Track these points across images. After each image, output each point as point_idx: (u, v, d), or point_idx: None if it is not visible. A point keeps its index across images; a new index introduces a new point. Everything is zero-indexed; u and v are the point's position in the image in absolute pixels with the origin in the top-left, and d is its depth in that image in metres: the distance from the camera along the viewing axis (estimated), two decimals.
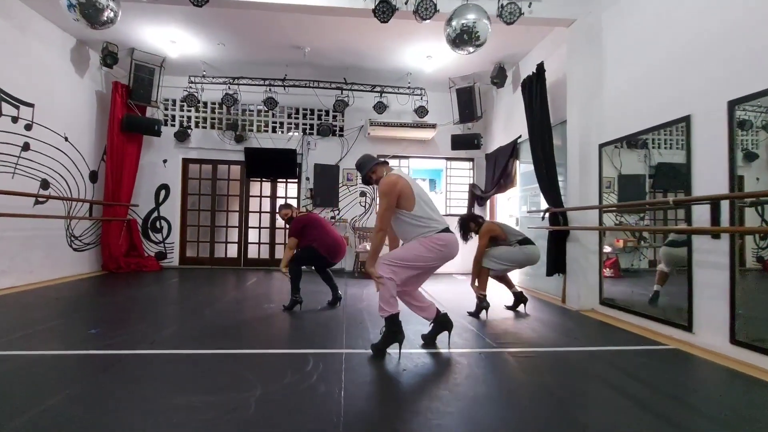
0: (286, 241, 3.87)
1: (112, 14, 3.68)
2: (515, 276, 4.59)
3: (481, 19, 3.72)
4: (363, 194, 7.05)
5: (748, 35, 2.55)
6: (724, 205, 2.65)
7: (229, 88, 6.27)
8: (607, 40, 3.93)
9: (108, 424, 1.57)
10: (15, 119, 4.56)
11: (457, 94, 6.51)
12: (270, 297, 4.44)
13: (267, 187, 7.10)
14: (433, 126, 6.62)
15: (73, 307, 3.74)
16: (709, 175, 2.80)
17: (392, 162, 7.19)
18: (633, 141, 3.71)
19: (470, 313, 3.71)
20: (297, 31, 5.11)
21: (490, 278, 3.84)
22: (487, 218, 6.64)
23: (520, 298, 3.95)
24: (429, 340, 2.77)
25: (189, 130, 6.70)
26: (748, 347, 2.48)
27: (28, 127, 4.73)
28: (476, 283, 3.79)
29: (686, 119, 2.98)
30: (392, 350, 2.52)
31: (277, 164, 6.70)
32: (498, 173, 6.16)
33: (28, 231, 4.75)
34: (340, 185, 6.99)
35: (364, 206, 7.05)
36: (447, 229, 2.57)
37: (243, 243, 6.99)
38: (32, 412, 1.64)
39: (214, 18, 4.84)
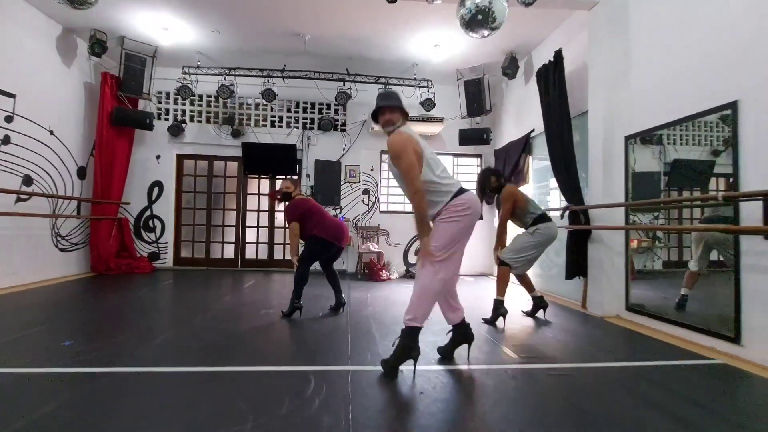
0: (287, 227, 3.45)
1: None
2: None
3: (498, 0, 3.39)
4: (366, 192, 6.73)
5: None
6: None
7: (225, 79, 5.94)
8: (635, 22, 3.60)
9: None
10: None
11: (465, 87, 6.18)
12: (268, 301, 4.12)
13: (265, 184, 6.78)
14: (440, 120, 6.29)
15: (52, 313, 3.42)
16: (764, 168, 2.47)
17: None
18: (648, 137, 3.44)
19: (486, 321, 3.39)
20: (296, 17, 4.78)
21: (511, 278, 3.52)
22: (496, 216, 6.32)
23: (539, 303, 3.63)
24: (446, 354, 2.45)
25: (183, 125, 6.37)
26: None
27: (8, 119, 4.40)
28: (499, 251, 3.52)
29: (732, 105, 2.66)
30: (405, 366, 2.20)
31: (276, 160, 6.35)
32: (509, 170, 5.83)
33: (10, 230, 4.43)
34: (342, 182, 6.66)
35: (367, 204, 6.73)
36: (462, 190, 2.25)
37: (240, 243, 6.67)
38: None
39: (209, 3, 4.52)
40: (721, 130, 2.93)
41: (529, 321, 3.51)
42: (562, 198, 4.82)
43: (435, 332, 2.94)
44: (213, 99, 6.45)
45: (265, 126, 6.63)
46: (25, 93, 4.60)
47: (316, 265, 3.61)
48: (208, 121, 6.53)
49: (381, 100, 2.32)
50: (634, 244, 3.67)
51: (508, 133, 6.21)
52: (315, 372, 2.14)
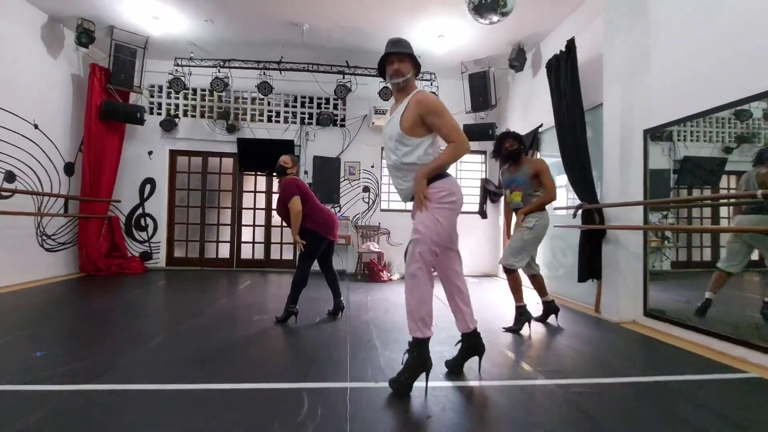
0: (286, 204, 3.16)
1: None
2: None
3: None
4: (366, 189, 6.49)
5: None
6: None
7: (219, 71, 5.69)
8: (656, 5, 3.35)
9: None
10: None
11: (470, 80, 5.95)
12: (263, 304, 3.90)
13: (262, 181, 6.53)
14: None
15: (29, 319, 3.19)
16: None
17: None
18: (658, 133, 3.23)
19: (507, 329, 3.11)
20: (293, 4, 4.53)
21: (524, 278, 3.31)
22: (501, 216, 6.10)
23: (550, 307, 3.40)
24: (455, 368, 2.21)
25: (176, 119, 6.12)
26: None
27: None
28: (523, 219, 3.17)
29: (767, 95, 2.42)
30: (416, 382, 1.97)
31: (272, 157, 5.90)
32: None
33: None
34: (342, 180, 6.43)
35: (368, 203, 6.49)
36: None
37: (235, 242, 6.43)
38: None
39: None
40: (733, 126, 2.78)
41: (541, 328, 3.28)
42: (569, 196, 4.61)
43: (441, 341, 2.71)
44: (207, 93, 6.21)
45: (261, 121, 6.39)
46: (7, 85, 4.37)
47: (315, 265, 3.37)
48: (202, 115, 6.29)
49: (390, 47, 2.09)
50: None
51: (514, 128, 5.90)
52: (309, 390, 1.91)
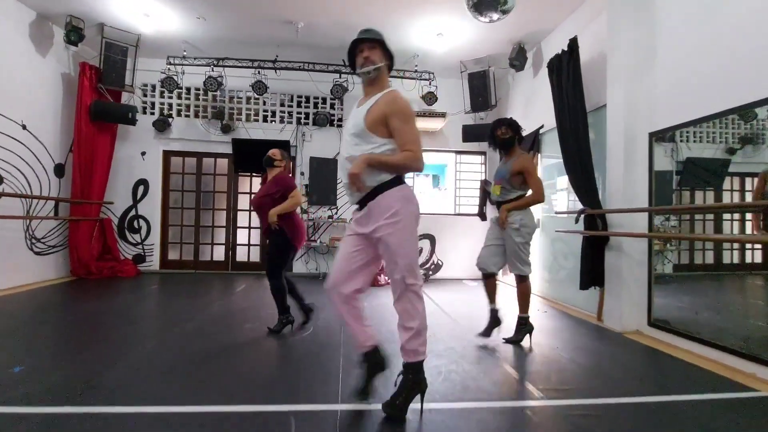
0: (292, 195, 3.01)
1: None
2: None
3: None
4: None
5: None
6: None
7: (213, 70, 5.56)
8: (662, 5, 3.23)
9: None
10: None
11: (469, 80, 5.82)
12: (257, 310, 3.79)
13: (257, 182, 6.42)
14: (443, 115, 5.92)
15: (10, 329, 3.07)
16: None
17: None
18: (661, 134, 3.14)
19: (508, 340, 2.95)
20: (288, 2, 4.40)
21: (486, 281, 3.04)
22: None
23: (496, 319, 3.01)
24: (364, 390, 1.89)
25: (170, 119, 6.00)
26: None
27: None
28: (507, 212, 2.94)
29: None
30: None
31: None
32: None
33: None
34: (339, 181, 6.30)
35: None
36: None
37: (231, 245, 6.32)
38: None
39: None
40: (736, 127, 2.70)
41: (540, 339, 3.16)
42: (570, 199, 4.50)
43: (440, 354, 2.61)
44: (201, 92, 6.07)
45: (257, 121, 6.26)
46: None
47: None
48: (196, 115, 6.16)
49: (361, 33, 1.92)
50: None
51: None
52: (297, 413, 1.81)
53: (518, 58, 5.18)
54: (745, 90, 2.50)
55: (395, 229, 1.76)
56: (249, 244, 6.38)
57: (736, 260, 2.95)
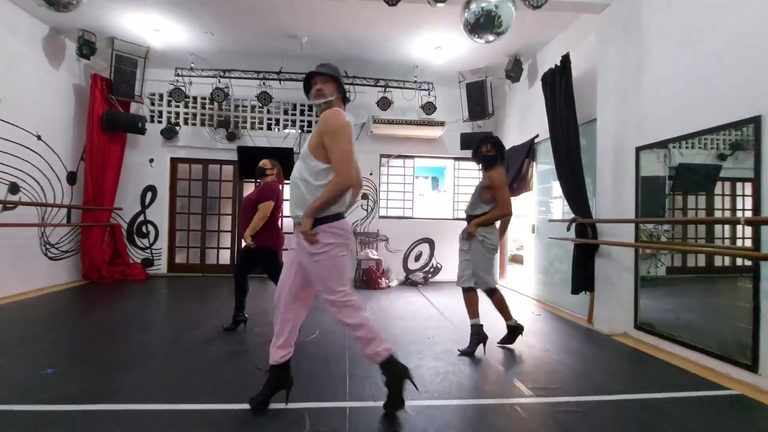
0: (260, 206, 3.20)
1: None
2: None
3: (505, 2, 3.22)
4: (365, 197, 6.57)
5: None
6: None
7: (219, 81, 5.75)
8: (649, 28, 3.43)
9: None
10: None
11: (467, 90, 6.02)
12: (264, 315, 3.97)
13: None
14: (442, 124, 6.12)
15: (35, 333, 3.27)
16: None
17: (397, 162, 6.76)
18: (662, 145, 3.28)
19: (461, 352, 2.94)
20: (293, 18, 4.60)
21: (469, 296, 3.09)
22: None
23: (480, 334, 3.00)
24: (260, 406, 1.96)
25: (177, 128, 6.19)
26: None
27: None
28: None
29: (755, 120, 2.51)
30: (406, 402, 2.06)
31: None
32: (511, 175, 5.66)
33: None
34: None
35: (366, 210, 6.57)
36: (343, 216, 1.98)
37: (236, 249, 6.51)
38: None
39: (201, 3, 4.33)
40: (728, 134, 2.81)
41: (533, 341, 3.36)
42: (565, 205, 4.69)
43: (437, 356, 2.81)
44: (208, 102, 6.26)
45: (261, 129, 6.46)
46: (10, 97, 4.42)
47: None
48: (202, 123, 6.35)
49: (318, 67, 2.01)
50: (639, 251, 3.53)
51: (511, 137, 6.05)
52: (310, 410, 2.01)
53: (514, 70, 5.38)
54: (725, 110, 2.70)
55: (319, 259, 1.88)
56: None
57: (727, 263, 3.00)
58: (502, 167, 3.14)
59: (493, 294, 3.08)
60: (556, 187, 4.96)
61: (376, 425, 1.89)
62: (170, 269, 6.34)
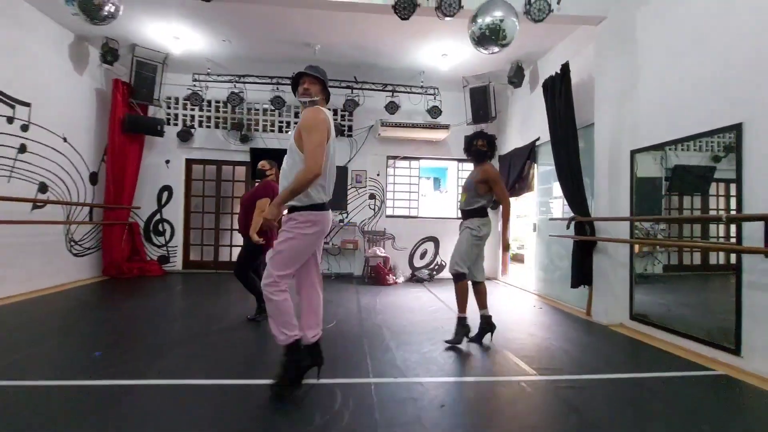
0: (258, 203, 3.38)
1: (113, 8, 3.45)
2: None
3: (509, 17, 3.49)
4: (372, 197, 6.83)
5: None
6: None
7: (235, 86, 6.01)
8: (642, 40, 3.69)
9: None
10: (11, 120, 4.31)
11: (471, 94, 6.28)
12: None
13: None
14: (446, 127, 6.38)
15: (71, 322, 3.52)
16: (764, 191, 2.58)
17: (403, 163, 7.02)
18: (655, 147, 3.51)
19: (449, 341, 3.05)
20: (308, 27, 4.86)
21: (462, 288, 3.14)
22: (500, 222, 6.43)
23: (488, 323, 3.19)
24: (297, 380, 2.17)
25: (192, 130, 6.45)
26: None
27: (24, 128, 4.48)
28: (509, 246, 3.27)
29: (737, 127, 2.77)
30: (424, 378, 2.32)
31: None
32: (513, 176, 5.94)
33: (26, 237, 4.51)
34: (349, 187, 6.76)
35: (373, 209, 6.83)
36: (323, 206, 2.17)
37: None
38: None
39: (220, 13, 4.58)
40: (722, 136, 2.95)
41: (536, 330, 3.62)
42: (565, 204, 4.94)
43: (434, 341, 3.07)
44: (222, 105, 6.52)
45: (273, 131, 6.71)
46: (40, 101, 4.67)
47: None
48: (216, 126, 6.61)
49: (307, 68, 2.20)
50: (635, 248, 3.78)
51: (512, 139, 6.32)
52: (339, 385, 2.26)
53: (516, 76, 5.64)
54: (711, 117, 2.96)
55: (282, 238, 2.10)
56: None
57: (722, 261, 3.17)
58: (490, 163, 3.30)
59: (460, 281, 3.11)
60: (556, 188, 5.22)
61: (398, 396, 2.15)
62: (185, 266, 6.59)
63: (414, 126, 6.36)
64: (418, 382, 2.33)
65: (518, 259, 7.22)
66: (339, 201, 6.64)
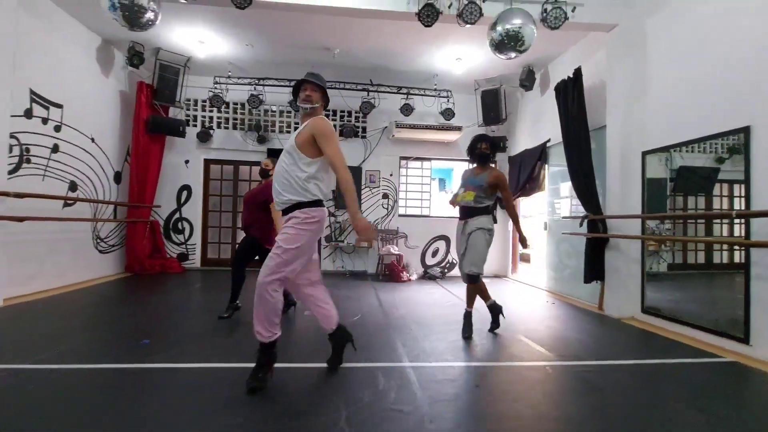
0: (272, 206, 3.39)
1: (152, 15, 3.62)
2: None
3: (527, 24, 3.67)
4: (386, 196, 7.01)
5: None
6: None
7: (255, 88, 6.20)
8: (652, 47, 3.88)
9: None
10: (45, 120, 4.49)
11: (482, 96, 6.46)
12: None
13: None
14: (459, 128, 6.57)
15: (108, 314, 3.70)
16: None
17: (414, 164, 7.20)
18: (665, 149, 3.67)
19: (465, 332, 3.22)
20: (328, 32, 5.04)
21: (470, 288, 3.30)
22: (509, 222, 6.61)
23: (495, 308, 3.37)
24: (334, 365, 2.40)
25: (211, 131, 6.63)
26: None
27: (57, 129, 4.67)
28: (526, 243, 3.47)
29: (745, 130, 2.95)
30: (456, 363, 2.49)
31: None
32: (524, 177, 6.12)
33: (56, 234, 4.69)
34: (363, 187, 6.94)
35: (387, 208, 7.01)
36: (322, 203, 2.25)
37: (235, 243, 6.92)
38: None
39: (245, 19, 4.76)
40: (725, 139, 3.12)
41: (552, 322, 3.79)
42: (573, 204, 5.13)
43: (457, 332, 3.24)
44: (240, 107, 6.71)
45: (289, 132, 6.89)
46: (71, 103, 4.85)
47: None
48: (234, 127, 6.79)
49: (308, 75, 2.32)
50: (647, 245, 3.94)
51: (523, 141, 6.50)
52: (380, 368, 2.43)
53: (528, 79, 5.83)
54: (719, 120, 3.14)
55: (286, 236, 2.14)
56: None
57: (725, 260, 3.37)
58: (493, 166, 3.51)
59: (475, 282, 3.26)
60: (563, 189, 5.41)
61: (435, 377, 2.32)
62: (203, 263, 6.77)
63: (427, 128, 6.54)
64: (450, 366, 2.51)
65: (524, 258, 7.39)
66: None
